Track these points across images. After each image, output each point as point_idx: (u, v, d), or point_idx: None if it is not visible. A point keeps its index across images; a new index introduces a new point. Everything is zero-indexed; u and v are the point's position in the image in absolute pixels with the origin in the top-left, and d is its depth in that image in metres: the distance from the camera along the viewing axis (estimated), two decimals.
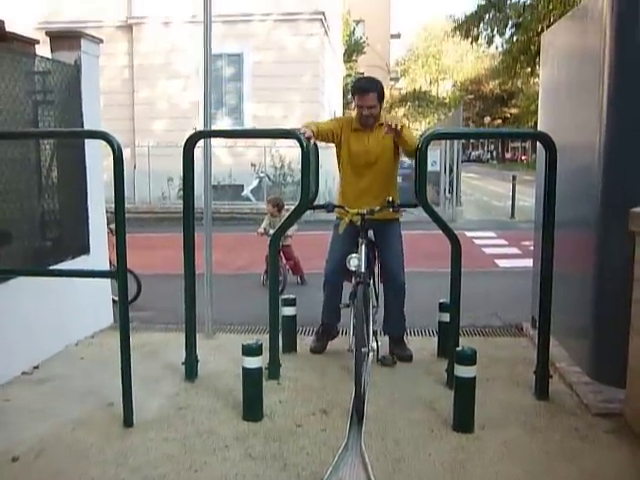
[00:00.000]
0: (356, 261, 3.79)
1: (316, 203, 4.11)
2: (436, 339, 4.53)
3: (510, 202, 15.49)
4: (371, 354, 3.80)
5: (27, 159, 4.42)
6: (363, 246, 3.90)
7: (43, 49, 4.76)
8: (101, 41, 5.20)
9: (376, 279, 4.32)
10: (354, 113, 4.28)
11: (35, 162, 4.52)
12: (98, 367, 4.17)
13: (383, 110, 4.32)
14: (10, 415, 3.40)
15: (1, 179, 4.10)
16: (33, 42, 4.72)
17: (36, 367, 4.16)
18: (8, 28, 4.41)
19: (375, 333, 4.04)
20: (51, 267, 4.42)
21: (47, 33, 4.92)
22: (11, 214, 4.18)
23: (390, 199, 4.03)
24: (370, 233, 4.10)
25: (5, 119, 4.04)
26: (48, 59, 4.60)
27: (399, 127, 3.80)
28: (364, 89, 4.09)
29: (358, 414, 3.30)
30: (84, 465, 2.87)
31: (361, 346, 3.49)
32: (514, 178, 15.99)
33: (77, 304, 4.66)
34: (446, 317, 4.14)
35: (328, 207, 4.04)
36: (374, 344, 3.93)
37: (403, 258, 4.27)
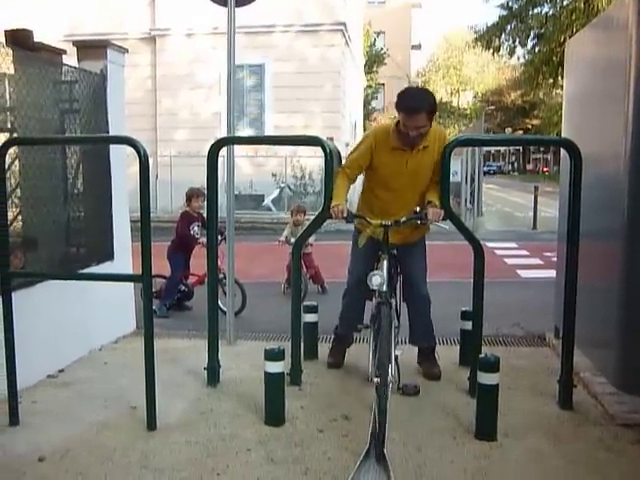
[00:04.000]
0: (378, 279, 3.35)
1: None
2: (458, 348, 4.50)
3: (532, 213, 15.38)
4: (391, 384, 3.19)
5: (54, 166, 4.50)
6: (385, 262, 3.48)
7: (69, 60, 4.85)
8: (126, 51, 5.29)
9: (397, 296, 3.98)
10: (391, 122, 3.76)
11: (61, 169, 4.60)
12: (121, 371, 4.21)
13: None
14: (36, 417, 3.45)
15: (28, 185, 4.18)
16: (60, 52, 4.82)
17: (61, 371, 4.22)
18: (36, 39, 4.50)
19: (396, 358, 3.52)
20: (78, 272, 4.48)
21: (74, 43, 5.02)
22: (37, 220, 4.25)
23: (418, 209, 3.66)
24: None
25: (33, 127, 4.12)
26: (75, 68, 4.69)
27: (440, 218, 3.51)
28: (413, 109, 3.45)
29: (377, 456, 2.80)
30: (108, 467, 2.90)
31: (385, 381, 3.02)
32: (536, 189, 15.88)
33: (101, 310, 4.71)
34: (468, 325, 4.12)
35: (348, 217, 3.58)
36: (394, 370, 3.42)
37: (426, 271, 4.02)
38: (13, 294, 3.37)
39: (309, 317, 4.56)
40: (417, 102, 3.48)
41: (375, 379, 3.00)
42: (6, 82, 4.27)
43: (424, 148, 3.62)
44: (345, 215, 3.47)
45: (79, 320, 4.48)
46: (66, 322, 4.32)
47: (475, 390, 3.33)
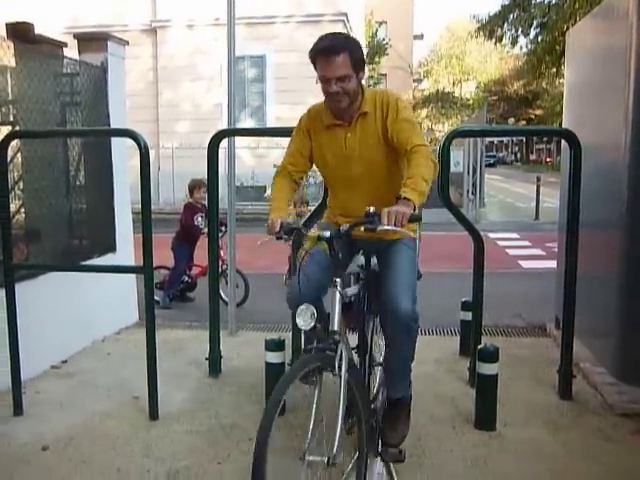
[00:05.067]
0: (308, 317, 2.29)
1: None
2: (458, 338, 4.53)
3: (534, 204, 15.37)
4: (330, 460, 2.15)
5: (56, 159, 4.52)
6: (337, 294, 2.39)
7: (70, 53, 4.86)
8: (127, 43, 5.29)
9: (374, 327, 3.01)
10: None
11: (63, 162, 4.62)
12: (124, 362, 4.24)
13: (368, 88, 2.79)
14: (40, 407, 3.48)
15: (30, 178, 4.21)
16: (61, 45, 4.82)
17: (64, 361, 4.25)
18: (37, 32, 4.51)
19: (378, 431, 2.70)
20: (81, 264, 4.51)
21: (75, 35, 5.02)
22: (40, 212, 4.28)
23: (371, 209, 2.48)
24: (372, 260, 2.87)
25: (35, 119, 4.14)
26: (75, 61, 4.70)
27: (403, 221, 2.26)
28: (328, 48, 2.51)
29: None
30: (111, 455, 2.93)
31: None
32: (538, 179, 15.86)
33: (104, 301, 4.74)
34: (468, 316, 4.13)
35: (280, 232, 2.53)
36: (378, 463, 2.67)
37: (413, 286, 2.71)
38: (16, 286, 3.39)
39: None
40: (334, 41, 2.53)
41: (310, 458, 2.14)
42: (7, 75, 4.28)
43: (363, 116, 2.66)
44: (277, 230, 2.50)
45: (82, 311, 4.51)
46: (69, 313, 4.35)
47: (475, 380, 3.35)
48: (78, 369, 4.13)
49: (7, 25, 4.40)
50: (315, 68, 2.58)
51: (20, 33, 4.34)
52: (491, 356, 3.19)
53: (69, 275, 4.20)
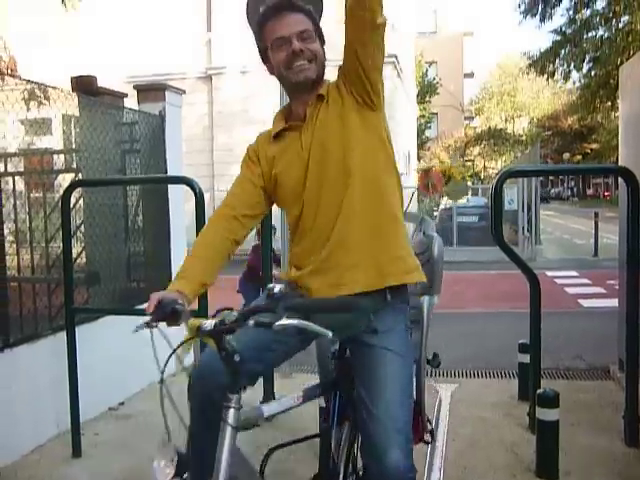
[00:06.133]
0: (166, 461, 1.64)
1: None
2: (516, 381, 4.40)
3: (593, 240, 14.96)
4: None
5: (115, 204, 4.69)
6: (227, 430, 1.66)
7: (130, 101, 5.08)
8: (184, 92, 5.50)
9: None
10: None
11: (122, 207, 4.79)
12: (179, 404, 4.27)
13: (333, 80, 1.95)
14: (98, 449, 3.54)
15: (91, 223, 4.37)
16: (122, 95, 5.06)
17: (122, 403, 4.32)
18: (99, 83, 4.74)
19: None
20: (136, 307, 4.61)
21: (135, 87, 5.25)
22: (100, 256, 4.42)
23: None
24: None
25: (97, 167, 4.33)
26: (135, 111, 4.90)
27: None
28: (280, 6, 1.88)
29: None
30: None
31: None
32: (596, 215, 15.46)
33: (161, 343, 4.81)
34: (526, 358, 4.02)
35: (157, 316, 1.77)
36: None
37: (410, 423, 1.83)
38: (77, 328, 3.50)
39: None
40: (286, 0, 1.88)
41: None
42: (72, 126, 4.51)
43: (319, 100, 1.90)
44: (152, 310, 1.76)
45: (139, 353, 4.56)
46: (126, 355, 4.43)
47: (535, 426, 3.24)
48: (135, 411, 4.19)
49: (72, 79, 4.65)
50: (262, 43, 1.92)
51: (84, 86, 4.58)
52: (551, 401, 3.08)
53: (127, 317, 4.29)
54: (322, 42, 1.92)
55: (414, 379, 2.04)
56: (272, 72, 1.94)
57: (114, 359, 4.29)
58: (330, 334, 1.54)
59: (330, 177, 1.85)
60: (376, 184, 1.86)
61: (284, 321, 1.52)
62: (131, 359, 4.48)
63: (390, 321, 1.88)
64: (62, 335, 3.49)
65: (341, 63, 1.87)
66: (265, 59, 1.94)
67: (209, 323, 1.63)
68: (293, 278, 1.95)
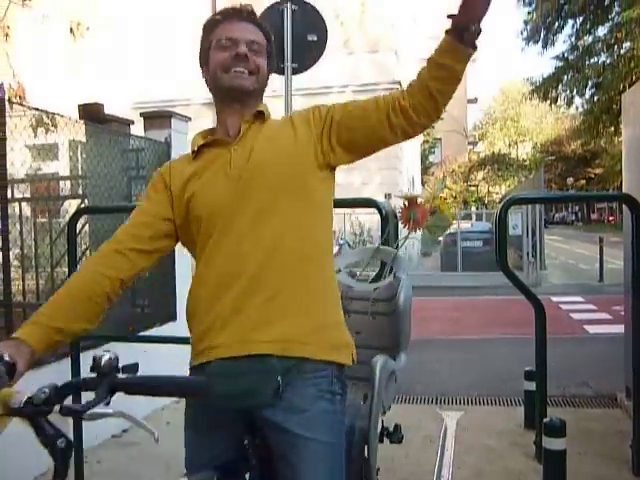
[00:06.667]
0: None
1: None
2: (522, 409, 4.36)
3: (598, 265, 14.91)
4: None
5: None
6: None
7: (136, 127, 5.14)
8: (189, 119, 5.56)
9: None
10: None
11: None
12: (182, 432, 4.25)
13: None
14: (101, 477, 3.52)
15: (97, 248, 4.38)
16: (128, 122, 5.12)
17: (125, 430, 4.30)
18: (106, 110, 4.81)
19: None
20: (140, 333, 4.62)
21: (141, 114, 5.32)
22: None
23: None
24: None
25: (103, 194, 4.36)
26: (141, 137, 4.96)
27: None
28: (241, 11, 1.69)
29: None
30: None
31: None
32: (601, 240, 15.44)
33: (164, 370, 4.79)
34: (532, 386, 3.99)
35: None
36: None
37: None
38: (81, 354, 3.49)
39: None
40: (246, 8, 1.71)
41: None
42: (78, 153, 4.56)
43: (258, 118, 1.67)
44: None
45: None
46: None
47: (541, 455, 3.20)
48: (138, 438, 4.16)
49: (80, 106, 4.71)
50: (206, 42, 1.73)
51: (91, 113, 4.64)
52: (558, 430, 3.05)
53: (131, 343, 4.29)
54: (270, 63, 1.71)
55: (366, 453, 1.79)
56: (206, 77, 1.74)
57: None
58: (156, 435, 1.29)
59: (256, 216, 1.54)
60: (295, 215, 1.57)
61: (99, 409, 1.25)
62: None
63: (309, 394, 1.50)
64: (66, 362, 3.48)
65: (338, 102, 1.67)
66: (203, 61, 1.73)
67: (18, 400, 1.24)
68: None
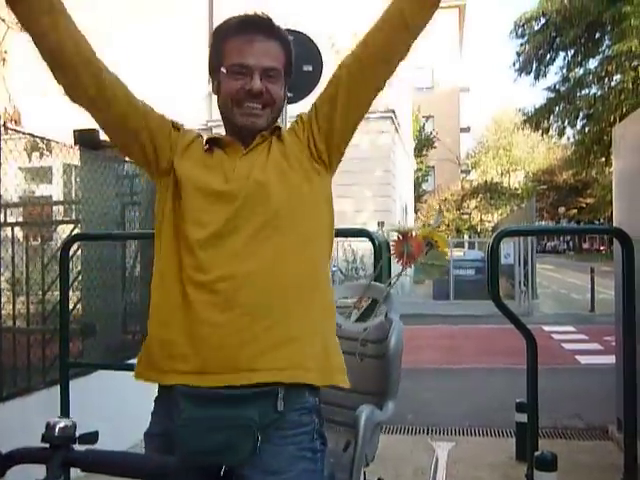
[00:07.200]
0: None
1: None
2: (513, 440, 4.34)
3: (589, 295, 14.96)
4: None
5: (113, 255, 4.72)
6: None
7: None
8: None
9: None
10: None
11: (120, 258, 4.81)
12: None
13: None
14: None
15: (90, 276, 4.38)
16: None
17: None
18: (101, 136, 4.83)
19: None
20: (131, 360, 4.58)
21: None
22: (96, 308, 4.42)
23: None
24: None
25: (97, 221, 4.36)
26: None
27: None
28: (259, 24, 1.54)
29: None
30: None
31: None
32: (592, 270, 15.51)
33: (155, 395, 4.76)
34: (524, 418, 3.97)
35: None
36: None
37: None
38: (70, 382, 3.46)
39: None
40: (267, 21, 1.56)
41: None
42: (72, 178, 4.57)
43: (276, 136, 1.57)
44: None
45: (133, 406, 4.53)
46: (120, 408, 4.38)
47: None
48: None
49: (74, 132, 4.73)
50: (217, 59, 1.56)
51: (86, 139, 4.66)
52: (549, 464, 3.03)
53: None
54: (287, 81, 1.59)
55: None
56: (216, 93, 1.61)
57: (108, 412, 4.22)
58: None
59: (253, 228, 1.45)
60: (300, 238, 1.51)
61: None
62: (125, 411, 4.42)
63: (288, 453, 1.40)
64: (55, 389, 3.45)
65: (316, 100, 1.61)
66: (214, 76, 1.60)
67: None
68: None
